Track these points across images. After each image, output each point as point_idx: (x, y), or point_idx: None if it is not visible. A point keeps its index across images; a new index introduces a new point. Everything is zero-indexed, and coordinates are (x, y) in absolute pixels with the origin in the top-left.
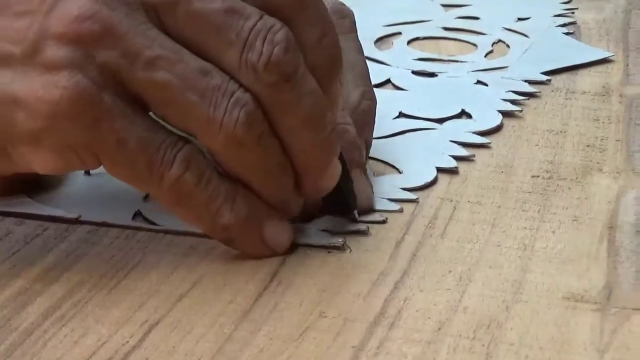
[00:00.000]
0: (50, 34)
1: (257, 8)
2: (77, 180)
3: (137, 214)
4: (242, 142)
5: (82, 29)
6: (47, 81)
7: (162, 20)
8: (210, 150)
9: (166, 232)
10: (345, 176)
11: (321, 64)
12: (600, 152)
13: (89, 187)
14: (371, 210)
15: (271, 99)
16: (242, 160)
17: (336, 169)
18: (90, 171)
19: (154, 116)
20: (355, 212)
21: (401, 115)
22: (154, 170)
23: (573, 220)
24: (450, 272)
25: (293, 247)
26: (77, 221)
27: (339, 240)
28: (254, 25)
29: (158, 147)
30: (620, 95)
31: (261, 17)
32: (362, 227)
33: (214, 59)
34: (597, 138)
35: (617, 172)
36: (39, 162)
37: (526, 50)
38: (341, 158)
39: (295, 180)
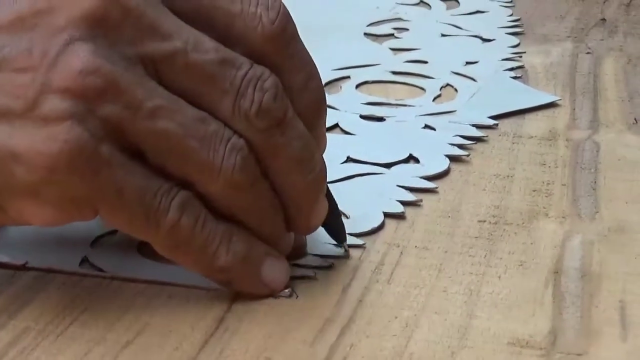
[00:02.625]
0: (52, 88)
1: (246, 57)
2: (24, 227)
3: (84, 260)
4: (239, 185)
5: (86, 83)
6: (46, 134)
7: (159, 73)
8: (208, 195)
9: (113, 278)
10: (334, 211)
11: (308, 107)
12: (547, 196)
13: (35, 233)
14: (304, 254)
15: (263, 143)
16: (239, 202)
17: (324, 206)
18: None
19: None
20: (345, 244)
21: (349, 159)
22: (150, 218)
23: (519, 265)
24: (396, 317)
25: (239, 294)
26: (23, 267)
27: (285, 291)
28: (245, 74)
29: (154, 195)
30: (567, 140)
31: (252, 66)
32: (309, 272)
33: (209, 107)
34: (543, 183)
35: (563, 217)
36: (37, 216)
37: (474, 94)
38: (328, 194)
39: (284, 220)
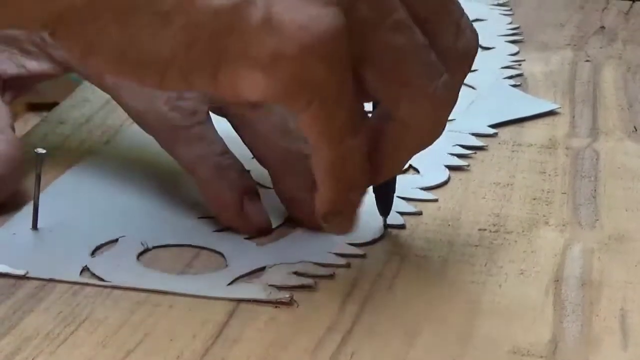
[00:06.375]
0: None
1: None
2: (24, 236)
3: (85, 270)
4: (435, 120)
5: None
6: (314, 13)
7: None
8: (400, 119)
9: (113, 287)
10: (391, 184)
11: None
12: (547, 205)
13: (35, 243)
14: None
15: (459, 79)
16: (415, 136)
17: None
18: (38, 226)
19: None
20: (385, 219)
21: None
22: (345, 133)
23: (519, 274)
24: (397, 326)
25: (239, 303)
26: (24, 277)
27: (285, 296)
28: (463, 14)
29: (351, 110)
30: (567, 148)
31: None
32: (309, 281)
33: (434, 34)
34: (543, 191)
35: (563, 225)
36: (255, 90)
37: (473, 102)
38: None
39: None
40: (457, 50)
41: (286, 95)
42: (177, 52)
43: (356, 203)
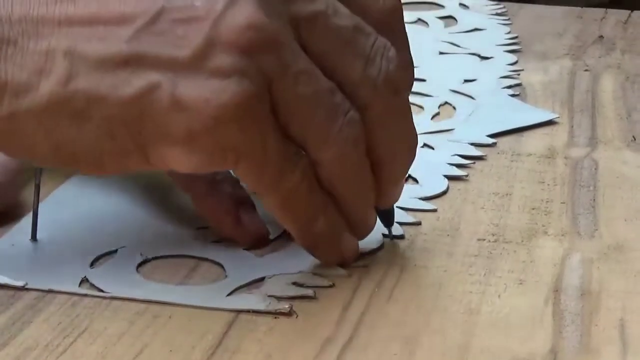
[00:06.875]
0: (220, 42)
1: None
2: (24, 246)
3: (84, 281)
4: (347, 155)
5: (252, 38)
6: (215, 86)
7: (299, 33)
8: (319, 161)
9: (113, 298)
10: None
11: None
12: (546, 214)
13: (35, 254)
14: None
15: (382, 110)
16: (343, 173)
17: (403, 184)
18: (37, 237)
19: None
20: (391, 229)
21: None
22: (280, 178)
23: (519, 284)
24: (396, 336)
25: (239, 313)
26: (23, 288)
27: (285, 306)
28: (374, 43)
29: (286, 157)
30: (566, 157)
31: (377, 36)
32: (309, 292)
33: (338, 70)
34: (542, 200)
35: (562, 235)
36: (182, 163)
37: (472, 112)
38: None
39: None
40: (369, 80)
41: (211, 163)
42: (104, 143)
43: (329, 230)
